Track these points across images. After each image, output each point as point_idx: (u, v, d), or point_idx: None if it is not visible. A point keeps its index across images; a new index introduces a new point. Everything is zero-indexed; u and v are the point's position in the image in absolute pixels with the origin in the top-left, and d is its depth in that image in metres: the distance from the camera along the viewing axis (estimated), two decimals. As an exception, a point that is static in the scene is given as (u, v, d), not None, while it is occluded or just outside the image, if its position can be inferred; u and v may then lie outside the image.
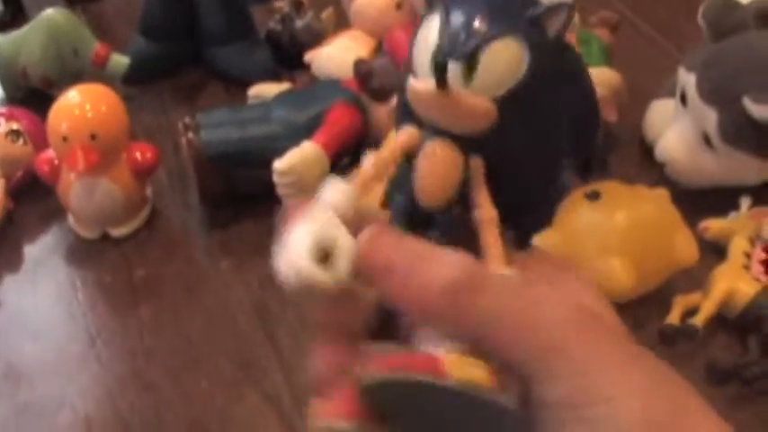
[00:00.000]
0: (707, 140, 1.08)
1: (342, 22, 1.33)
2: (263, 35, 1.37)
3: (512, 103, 0.51)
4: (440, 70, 0.49)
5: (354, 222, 0.51)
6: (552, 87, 0.52)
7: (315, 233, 0.49)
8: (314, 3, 1.37)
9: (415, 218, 0.55)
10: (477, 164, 0.53)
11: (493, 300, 0.44)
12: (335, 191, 0.52)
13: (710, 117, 1.05)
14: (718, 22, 1.08)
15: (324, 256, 0.49)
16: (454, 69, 0.49)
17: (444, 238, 0.53)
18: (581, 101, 0.56)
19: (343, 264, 0.49)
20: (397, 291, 0.46)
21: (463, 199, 0.53)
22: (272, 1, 1.35)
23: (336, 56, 1.23)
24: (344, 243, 0.49)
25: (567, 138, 0.56)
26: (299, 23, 1.34)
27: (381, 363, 0.47)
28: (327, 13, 1.35)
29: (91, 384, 0.98)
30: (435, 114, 0.51)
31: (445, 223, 0.55)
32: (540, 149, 0.55)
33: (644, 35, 1.41)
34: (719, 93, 1.04)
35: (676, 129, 1.11)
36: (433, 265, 0.46)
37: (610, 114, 1.15)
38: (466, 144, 0.52)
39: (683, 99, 1.09)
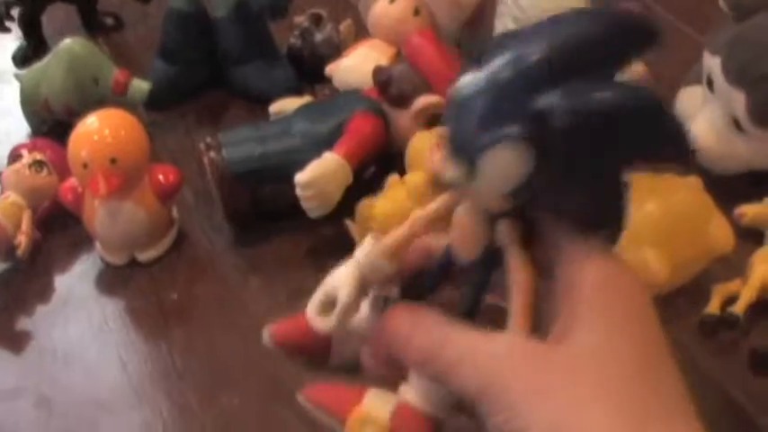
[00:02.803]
0: (737, 124, 1.06)
1: (361, 33, 1.32)
2: (283, 51, 1.36)
3: (528, 187, 0.51)
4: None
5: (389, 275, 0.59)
6: (594, 145, 0.51)
7: (324, 286, 0.60)
8: (332, 15, 1.36)
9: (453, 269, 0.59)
10: (507, 227, 0.55)
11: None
12: (367, 253, 0.59)
13: (739, 99, 1.03)
14: (740, 3, 1.06)
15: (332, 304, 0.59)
16: (457, 173, 0.51)
17: (476, 291, 0.57)
18: (652, 140, 0.54)
19: (335, 317, 0.59)
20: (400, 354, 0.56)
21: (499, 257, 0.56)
22: (291, 16, 1.34)
23: (356, 66, 1.21)
24: (342, 299, 0.58)
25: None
26: (318, 37, 1.33)
27: (310, 392, 0.61)
28: (346, 25, 1.34)
29: (124, 410, 0.97)
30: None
31: (480, 277, 0.57)
32: (593, 194, 0.56)
33: (667, 23, 1.39)
34: (746, 73, 1.03)
35: (705, 115, 1.09)
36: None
37: (636, 105, 1.13)
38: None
39: (710, 84, 1.07)
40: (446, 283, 0.61)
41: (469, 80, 0.53)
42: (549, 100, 0.50)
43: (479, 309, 0.58)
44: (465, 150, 0.51)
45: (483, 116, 0.51)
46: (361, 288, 0.61)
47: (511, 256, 0.56)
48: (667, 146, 0.56)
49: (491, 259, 0.57)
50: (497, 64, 0.52)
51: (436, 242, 0.61)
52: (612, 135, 0.52)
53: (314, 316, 0.62)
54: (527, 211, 0.55)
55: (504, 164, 0.51)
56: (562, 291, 0.54)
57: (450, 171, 0.52)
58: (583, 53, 0.51)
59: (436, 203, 0.58)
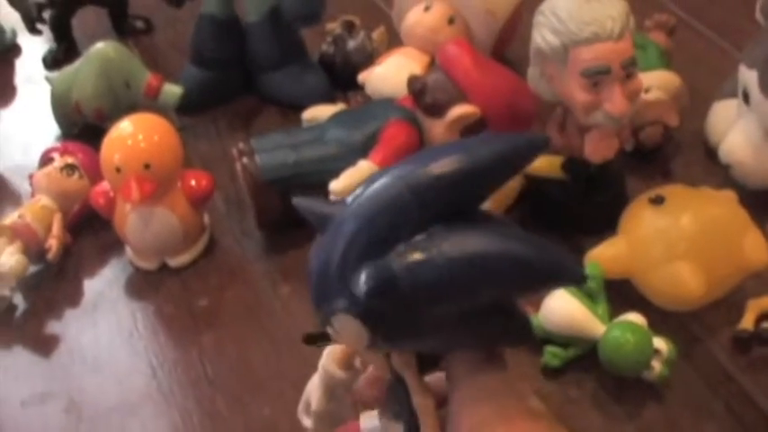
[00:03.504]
0: (773, 139, 1.05)
1: (394, 40, 1.31)
2: (315, 58, 1.36)
3: (387, 340, 0.61)
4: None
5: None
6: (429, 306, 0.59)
7: (305, 390, 0.79)
8: (365, 22, 1.36)
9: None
10: (397, 358, 0.66)
11: None
12: (322, 363, 0.76)
13: (775, 114, 1.03)
14: (778, 16, 1.05)
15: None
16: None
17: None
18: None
19: (312, 422, 0.79)
20: None
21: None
22: (324, 23, 1.33)
23: (390, 74, 1.21)
24: (313, 407, 0.78)
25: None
26: (351, 44, 1.33)
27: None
28: (379, 32, 1.34)
29: (154, 415, 0.97)
30: None
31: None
32: (445, 338, 0.63)
33: (702, 36, 1.38)
34: (783, 88, 1.02)
35: (740, 129, 1.08)
36: None
37: (671, 118, 1.13)
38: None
39: (746, 98, 1.06)
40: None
41: (314, 250, 0.63)
42: (359, 286, 0.57)
43: None
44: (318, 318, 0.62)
45: (317, 291, 0.62)
46: (329, 393, 0.75)
47: (407, 382, 0.65)
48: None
49: (401, 388, 0.66)
50: (326, 241, 0.62)
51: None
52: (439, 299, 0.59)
53: (302, 417, 0.80)
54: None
55: (348, 328, 0.59)
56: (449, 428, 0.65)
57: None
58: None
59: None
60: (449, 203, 0.59)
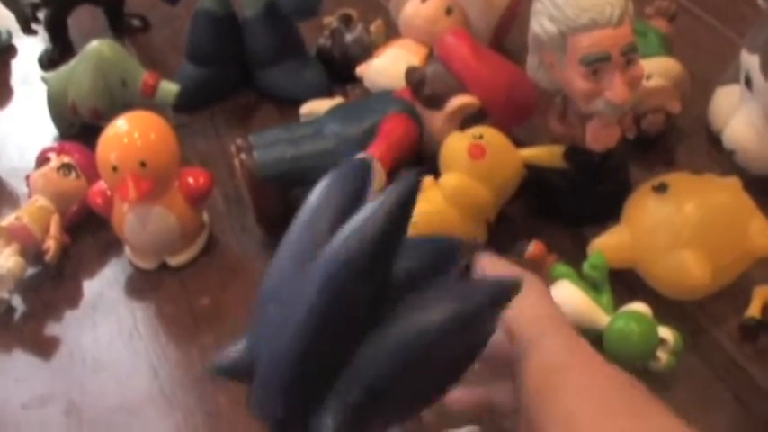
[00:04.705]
0: (776, 124, 1.04)
1: (392, 33, 1.30)
2: (313, 52, 1.35)
3: None
4: None
5: None
6: None
7: None
8: (362, 15, 1.35)
9: None
10: None
11: None
12: None
13: (778, 99, 1.02)
14: (780, 1, 1.04)
15: None
16: None
17: None
18: None
19: None
20: None
21: None
22: (321, 17, 1.33)
23: (387, 67, 1.20)
24: None
25: None
26: (348, 37, 1.32)
27: None
28: (377, 25, 1.33)
29: (156, 416, 0.96)
30: None
31: None
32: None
33: (703, 22, 1.37)
34: (786, 72, 1.01)
35: (743, 114, 1.07)
36: None
37: (673, 105, 1.13)
38: None
39: (748, 83, 1.05)
40: None
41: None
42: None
43: None
44: None
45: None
46: None
47: None
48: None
49: None
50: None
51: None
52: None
53: None
54: None
55: None
56: None
57: None
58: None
59: None
60: None
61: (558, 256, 0.98)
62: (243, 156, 1.08)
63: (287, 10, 1.25)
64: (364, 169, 0.59)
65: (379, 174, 1.03)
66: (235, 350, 0.60)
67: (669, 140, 1.17)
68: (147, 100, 1.23)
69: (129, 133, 1.04)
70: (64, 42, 1.48)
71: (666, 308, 0.94)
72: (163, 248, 1.10)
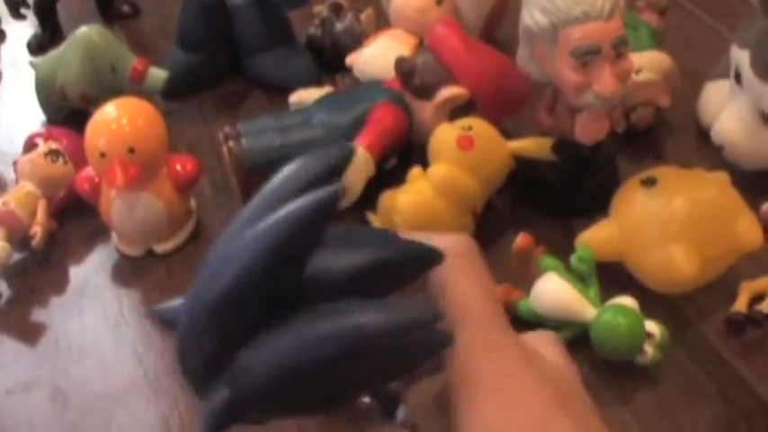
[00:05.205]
0: (765, 119, 1.04)
1: (382, 22, 1.30)
2: (303, 41, 1.34)
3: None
4: None
5: None
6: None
7: None
8: (353, 4, 1.35)
9: None
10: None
11: None
12: None
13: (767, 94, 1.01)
14: (771, -4, 1.04)
15: None
16: None
17: None
18: None
19: None
20: None
21: None
22: (311, 5, 1.32)
23: (377, 56, 1.20)
24: None
25: None
26: (339, 26, 1.31)
27: None
28: (367, 14, 1.33)
29: (140, 403, 0.95)
30: None
31: None
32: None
33: (693, 16, 1.37)
34: (776, 68, 1.01)
35: (732, 110, 1.07)
36: None
37: (663, 99, 1.13)
38: None
39: (738, 78, 1.05)
40: None
41: None
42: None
43: None
44: None
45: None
46: None
47: None
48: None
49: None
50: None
51: None
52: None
53: None
54: None
55: None
56: None
57: None
58: None
59: None
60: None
61: (546, 248, 0.98)
62: (231, 143, 1.08)
63: (277, -2, 1.25)
64: (340, 153, 0.57)
65: (367, 163, 1.03)
66: (178, 302, 0.57)
67: (658, 134, 1.17)
68: (135, 86, 1.22)
69: (117, 119, 1.03)
70: (53, 27, 1.47)
71: (653, 302, 0.94)
72: (150, 235, 1.09)
